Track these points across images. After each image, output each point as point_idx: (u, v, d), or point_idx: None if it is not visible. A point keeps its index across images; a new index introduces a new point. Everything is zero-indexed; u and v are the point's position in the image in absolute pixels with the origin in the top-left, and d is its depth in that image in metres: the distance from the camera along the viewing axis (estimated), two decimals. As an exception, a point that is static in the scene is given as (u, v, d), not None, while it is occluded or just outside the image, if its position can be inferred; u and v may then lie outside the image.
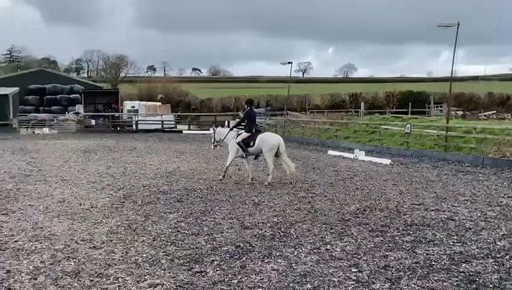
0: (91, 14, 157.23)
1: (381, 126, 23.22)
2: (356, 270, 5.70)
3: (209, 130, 33.70)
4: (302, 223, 7.88)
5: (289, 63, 33.31)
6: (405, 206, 9.26)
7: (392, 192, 10.82)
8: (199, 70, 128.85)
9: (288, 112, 39.59)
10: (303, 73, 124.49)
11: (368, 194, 10.56)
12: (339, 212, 8.74)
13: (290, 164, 11.89)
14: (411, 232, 7.38)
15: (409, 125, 20.73)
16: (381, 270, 5.70)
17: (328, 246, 6.63)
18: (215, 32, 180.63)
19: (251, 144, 11.85)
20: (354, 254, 6.32)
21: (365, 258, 6.16)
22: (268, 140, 11.83)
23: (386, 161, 16.46)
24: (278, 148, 11.72)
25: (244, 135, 12.08)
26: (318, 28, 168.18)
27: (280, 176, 12.57)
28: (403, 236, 7.19)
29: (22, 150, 20.00)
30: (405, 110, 41.25)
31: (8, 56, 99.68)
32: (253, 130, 12.14)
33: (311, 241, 6.89)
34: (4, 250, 6.28)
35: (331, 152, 20.05)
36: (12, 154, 18.02)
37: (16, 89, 39.17)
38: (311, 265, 5.86)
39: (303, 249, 6.49)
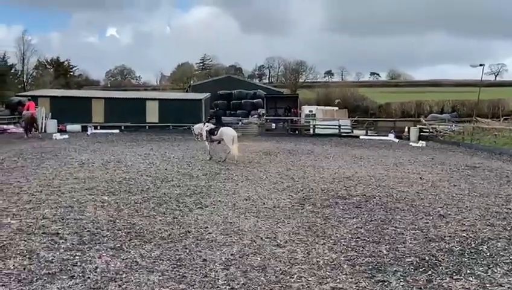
0: (276, 22, 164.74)
1: None
2: None
3: (387, 136, 33.23)
4: (496, 241, 7.14)
5: (480, 65, 30.72)
6: None
7: None
8: (377, 74, 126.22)
9: (478, 118, 36.35)
10: (495, 76, 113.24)
11: None
12: (541, 232, 7.71)
13: (236, 150, 16.52)
14: None
15: None
16: None
17: (530, 270, 5.89)
18: (401, 35, 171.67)
19: (215, 133, 17.26)
20: None
21: None
22: (228, 133, 16.98)
23: None
24: (233, 139, 16.61)
25: (211, 126, 17.65)
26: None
27: (438, 178, 11.61)
28: None
29: (212, 149, 21.86)
30: None
31: (201, 64, 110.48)
32: (217, 125, 17.73)
33: (507, 261, 6.19)
34: (200, 240, 6.92)
35: (529, 164, 17.84)
36: (204, 154, 19.85)
37: (207, 94, 43.12)
38: (508, 287, 5.27)
39: (498, 269, 5.87)
